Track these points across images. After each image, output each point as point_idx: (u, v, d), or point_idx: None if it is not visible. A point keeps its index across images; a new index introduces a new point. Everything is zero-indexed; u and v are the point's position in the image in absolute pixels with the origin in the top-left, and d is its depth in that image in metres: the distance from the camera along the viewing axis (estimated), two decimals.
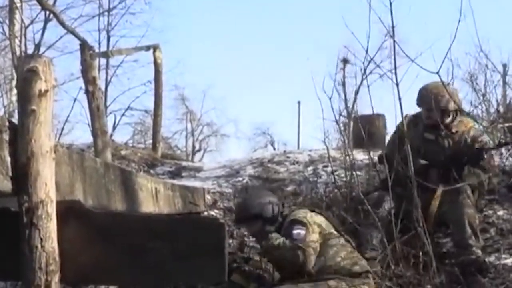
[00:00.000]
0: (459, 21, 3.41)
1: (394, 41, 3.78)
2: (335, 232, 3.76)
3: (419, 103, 4.49)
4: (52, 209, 1.97)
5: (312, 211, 3.83)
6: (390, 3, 3.49)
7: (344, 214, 4.46)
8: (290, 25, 34.69)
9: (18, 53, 11.89)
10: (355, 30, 4.28)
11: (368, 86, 4.39)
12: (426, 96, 4.34)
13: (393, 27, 3.65)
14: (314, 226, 3.68)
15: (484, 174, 4.31)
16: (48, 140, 1.99)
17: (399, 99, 4.15)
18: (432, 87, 4.35)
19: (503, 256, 4.18)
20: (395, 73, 3.95)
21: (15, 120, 2.06)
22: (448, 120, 4.38)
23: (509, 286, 3.87)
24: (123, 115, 18.19)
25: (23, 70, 2.02)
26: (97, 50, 12.08)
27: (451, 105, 4.30)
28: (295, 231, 3.63)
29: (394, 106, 4.53)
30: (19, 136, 1.95)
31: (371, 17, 3.86)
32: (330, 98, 4.84)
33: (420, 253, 3.87)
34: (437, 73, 3.69)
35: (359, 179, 5.05)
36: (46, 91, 2.00)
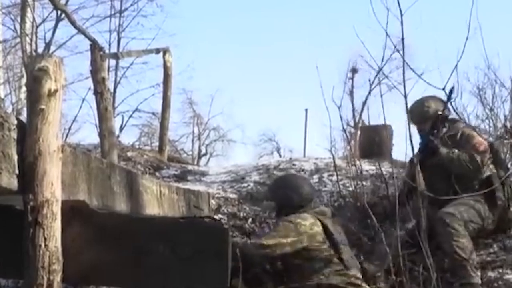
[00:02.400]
0: (466, 38, 3.41)
1: (403, 53, 3.76)
2: (327, 247, 3.76)
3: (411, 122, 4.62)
4: (57, 209, 1.97)
5: (319, 220, 3.84)
6: (401, 15, 3.48)
7: (348, 224, 4.47)
8: (299, 32, 34.69)
9: (28, 51, 11.93)
10: (366, 39, 4.28)
11: (381, 95, 4.39)
12: (412, 114, 4.50)
13: (403, 39, 3.63)
14: (298, 236, 3.70)
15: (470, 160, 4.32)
16: (55, 139, 1.99)
17: (407, 111, 4.16)
18: (411, 107, 4.54)
19: (506, 271, 4.16)
20: (404, 86, 3.94)
21: (23, 117, 2.06)
22: (449, 133, 4.52)
23: None
24: (130, 116, 18.25)
25: (33, 69, 2.02)
26: (107, 51, 12.14)
27: (431, 110, 4.54)
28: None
29: (401, 117, 4.58)
30: (27, 134, 1.96)
31: (379, 29, 3.85)
32: (339, 107, 4.86)
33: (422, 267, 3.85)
34: (443, 89, 3.71)
35: (365, 189, 5.05)
36: (56, 90, 2.00)
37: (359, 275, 3.78)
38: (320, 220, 3.83)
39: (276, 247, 3.68)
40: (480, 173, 4.37)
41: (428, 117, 4.54)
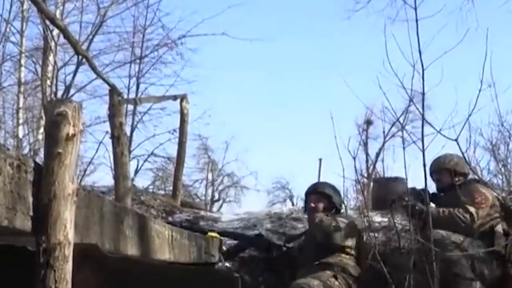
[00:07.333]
0: (479, 90, 3.46)
1: (422, 108, 3.79)
2: None
3: (430, 172, 4.67)
4: (69, 251, 1.99)
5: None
6: (423, 70, 3.50)
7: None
8: (315, 81, 34.93)
9: (48, 93, 12.11)
10: (382, 90, 4.30)
11: (404, 147, 4.36)
12: (434, 162, 4.68)
13: (423, 94, 3.66)
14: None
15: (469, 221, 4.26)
16: (71, 183, 2.03)
17: (424, 166, 4.12)
18: (440, 156, 4.67)
19: None
20: (422, 140, 3.92)
21: (39, 159, 2.10)
22: (459, 182, 4.50)
23: None
24: (145, 160, 18.27)
25: (52, 113, 2.06)
26: (126, 96, 12.28)
27: (459, 168, 4.54)
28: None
29: (414, 170, 4.56)
30: (43, 177, 1.99)
31: (398, 81, 3.88)
32: (354, 158, 4.88)
33: None
34: (456, 140, 3.71)
35: (376, 240, 5.01)
36: (73, 135, 2.04)
37: None
38: None
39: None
40: (473, 228, 4.30)
41: (447, 168, 4.52)
